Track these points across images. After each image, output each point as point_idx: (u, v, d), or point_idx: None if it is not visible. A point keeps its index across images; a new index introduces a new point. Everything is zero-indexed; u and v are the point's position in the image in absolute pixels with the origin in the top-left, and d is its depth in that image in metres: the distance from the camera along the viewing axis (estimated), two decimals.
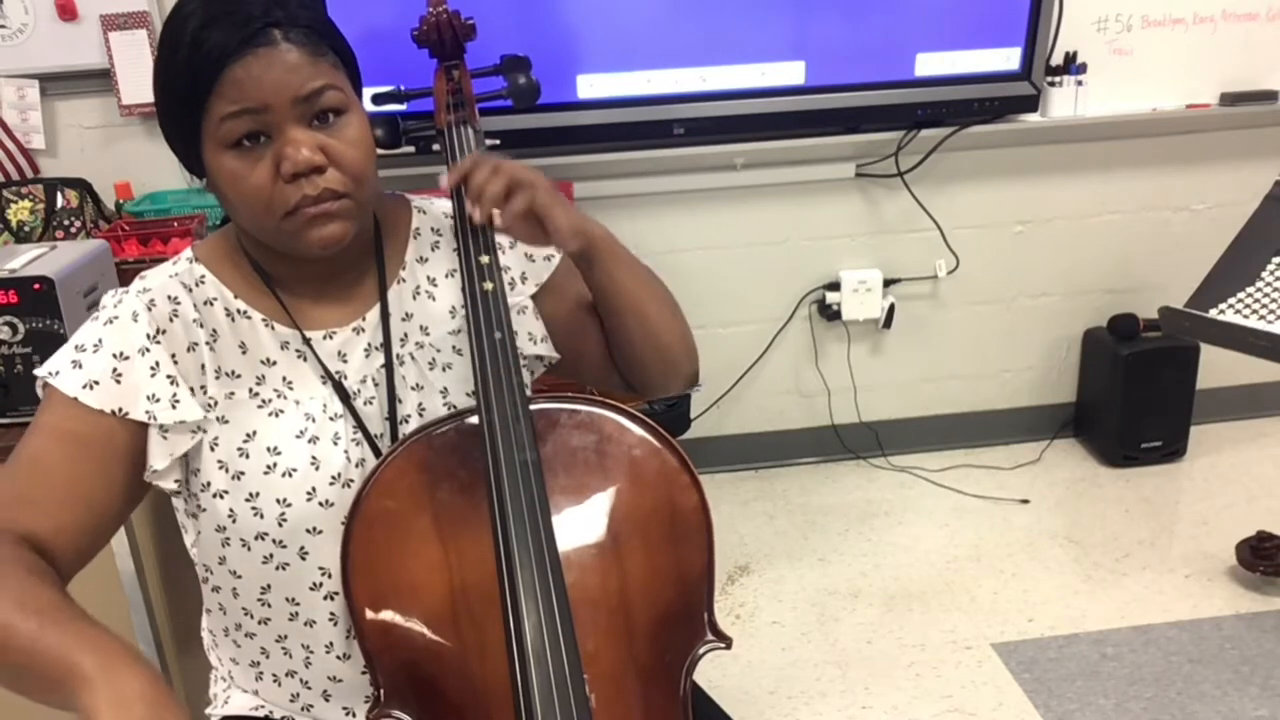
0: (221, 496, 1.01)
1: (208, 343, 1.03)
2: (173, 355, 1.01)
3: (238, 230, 1.06)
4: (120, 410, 0.98)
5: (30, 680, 0.82)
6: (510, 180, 1.00)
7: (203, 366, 1.03)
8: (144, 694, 0.77)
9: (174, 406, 0.99)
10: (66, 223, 2.31)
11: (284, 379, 1.05)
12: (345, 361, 1.07)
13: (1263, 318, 1.69)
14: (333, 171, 0.96)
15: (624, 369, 1.17)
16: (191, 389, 1.01)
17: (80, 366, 0.98)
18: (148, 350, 1.00)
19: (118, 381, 0.98)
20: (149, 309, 1.01)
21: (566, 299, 1.17)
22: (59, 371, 0.98)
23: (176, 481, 1.03)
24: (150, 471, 1.00)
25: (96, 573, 1.66)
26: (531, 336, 1.14)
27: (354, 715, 1.10)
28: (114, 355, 0.99)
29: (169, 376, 1.00)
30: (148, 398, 0.99)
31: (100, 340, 0.99)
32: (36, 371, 1.00)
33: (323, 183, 0.96)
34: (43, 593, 0.86)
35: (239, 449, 1.02)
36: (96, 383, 0.98)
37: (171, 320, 1.02)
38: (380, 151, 1.06)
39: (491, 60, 1.23)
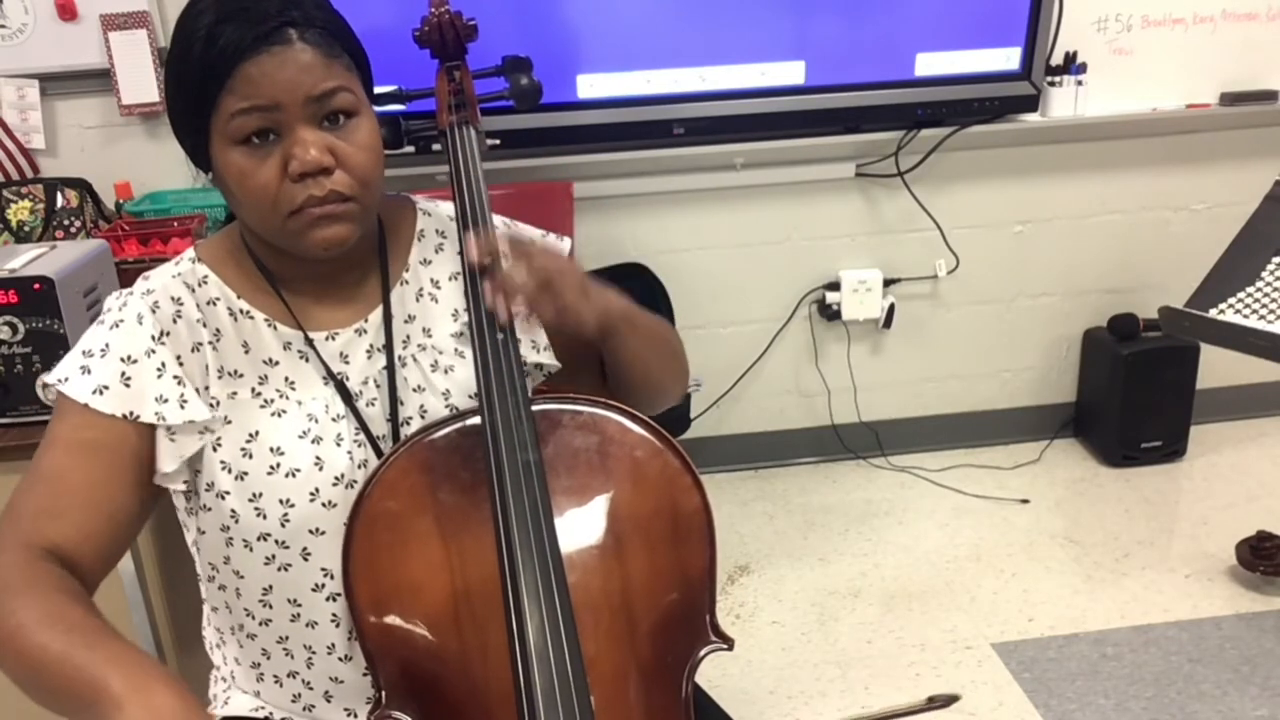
0: (224, 497, 1.01)
1: (210, 342, 1.03)
2: (178, 356, 1.01)
3: (242, 229, 1.06)
4: (132, 414, 0.98)
5: (64, 700, 0.83)
6: (541, 280, 0.98)
7: (206, 367, 1.03)
8: (175, 711, 0.78)
9: (182, 407, 1.00)
10: (66, 223, 2.31)
11: (286, 379, 1.05)
12: (347, 362, 1.07)
13: (1263, 318, 1.69)
14: (340, 174, 0.96)
15: (614, 391, 1.17)
16: (197, 389, 1.01)
17: (89, 372, 0.98)
18: (154, 352, 1.00)
19: (127, 385, 0.98)
20: (153, 311, 1.01)
21: None
22: (68, 378, 0.98)
23: (185, 483, 1.04)
24: (160, 475, 1.01)
25: None
26: (534, 344, 1.14)
27: (355, 716, 1.10)
28: (122, 359, 0.99)
29: (175, 377, 1.00)
30: (156, 399, 0.99)
31: (107, 345, 1.00)
32: (45, 378, 1.00)
33: (329, 184, 0.96)
34: (71, 610, 0.87)
35: (242, 449, 1.02)
36: (106, 387, 0.98)
37: (175, 321, 1.02)
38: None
39: (493, 61, 1.23)
